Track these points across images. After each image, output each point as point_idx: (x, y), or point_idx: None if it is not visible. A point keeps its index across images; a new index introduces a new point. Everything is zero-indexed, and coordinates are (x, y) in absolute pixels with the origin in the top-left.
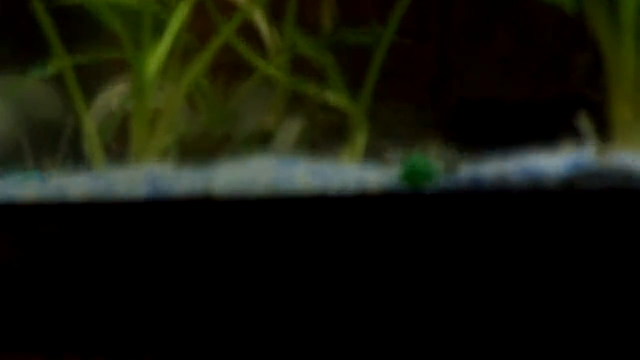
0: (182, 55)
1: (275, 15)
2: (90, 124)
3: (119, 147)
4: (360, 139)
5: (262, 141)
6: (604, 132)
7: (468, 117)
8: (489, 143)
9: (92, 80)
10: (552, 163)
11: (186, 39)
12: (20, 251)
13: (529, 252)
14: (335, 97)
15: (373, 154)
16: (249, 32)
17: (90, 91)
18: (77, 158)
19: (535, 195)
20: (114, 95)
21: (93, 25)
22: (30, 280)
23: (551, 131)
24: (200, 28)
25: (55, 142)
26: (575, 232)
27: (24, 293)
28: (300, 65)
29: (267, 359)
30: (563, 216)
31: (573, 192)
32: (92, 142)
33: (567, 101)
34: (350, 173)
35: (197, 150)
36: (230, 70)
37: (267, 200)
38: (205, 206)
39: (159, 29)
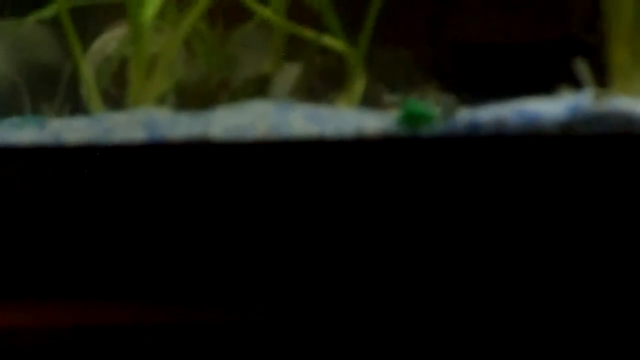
0: None
1: None
2: (87, 69)
3: (116, 92)
4: (358, 84)
5: (260, 86)
6: (602, 76)
7: (465, 62)
8: (487, 87)
9: (89, 24)
10: (549, 107)
11: None
12: (17, 195)
13: (526, 196)
14: (333, 42)
15: (371, 99)
16: None
17: (87, 35)
18: (74, 103)
19: (533, 140)
20: (111, 39)
21: None
22: (28, 225)
23: (549, 75)
24: None
25: (52, 87)
26: (574, 177)
27: (21, 238)
28: (297, 9)
29: (264, 298)
30: (561, 160)
31: (571, 136)
32: (89, 86)
33: (564, 45)
34: (347, 117)
35: (194, 95)
36: (228, 14)
37: (265, 144)
38: (203, 150)
39: None
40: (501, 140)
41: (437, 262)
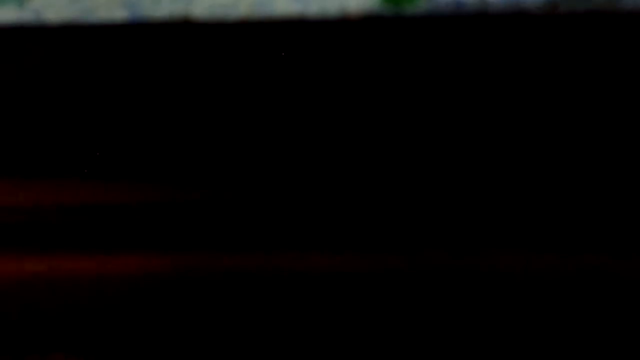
0: None
1: None
2: None
3: None
4: None
5: None
6: None
7: None
8: None
9: None
10: None
11: None
12: None
13: (511, 74)
14: None
15: None
16: None
17: None
18: None
19: (517, 17)
20: None
21: None
22: (8, 105)
23: None
24: None
25: None
26: (557, 55)
27: (2, 118)
28: None
29: (244, 177)
30: (544, 38)
31: (554, 14)
32: None
33: None
34: None
35: None
36: None
37: (247, 24)
38: (184, 30)
39: None
40: (485, 19)
41: (421, 141)
